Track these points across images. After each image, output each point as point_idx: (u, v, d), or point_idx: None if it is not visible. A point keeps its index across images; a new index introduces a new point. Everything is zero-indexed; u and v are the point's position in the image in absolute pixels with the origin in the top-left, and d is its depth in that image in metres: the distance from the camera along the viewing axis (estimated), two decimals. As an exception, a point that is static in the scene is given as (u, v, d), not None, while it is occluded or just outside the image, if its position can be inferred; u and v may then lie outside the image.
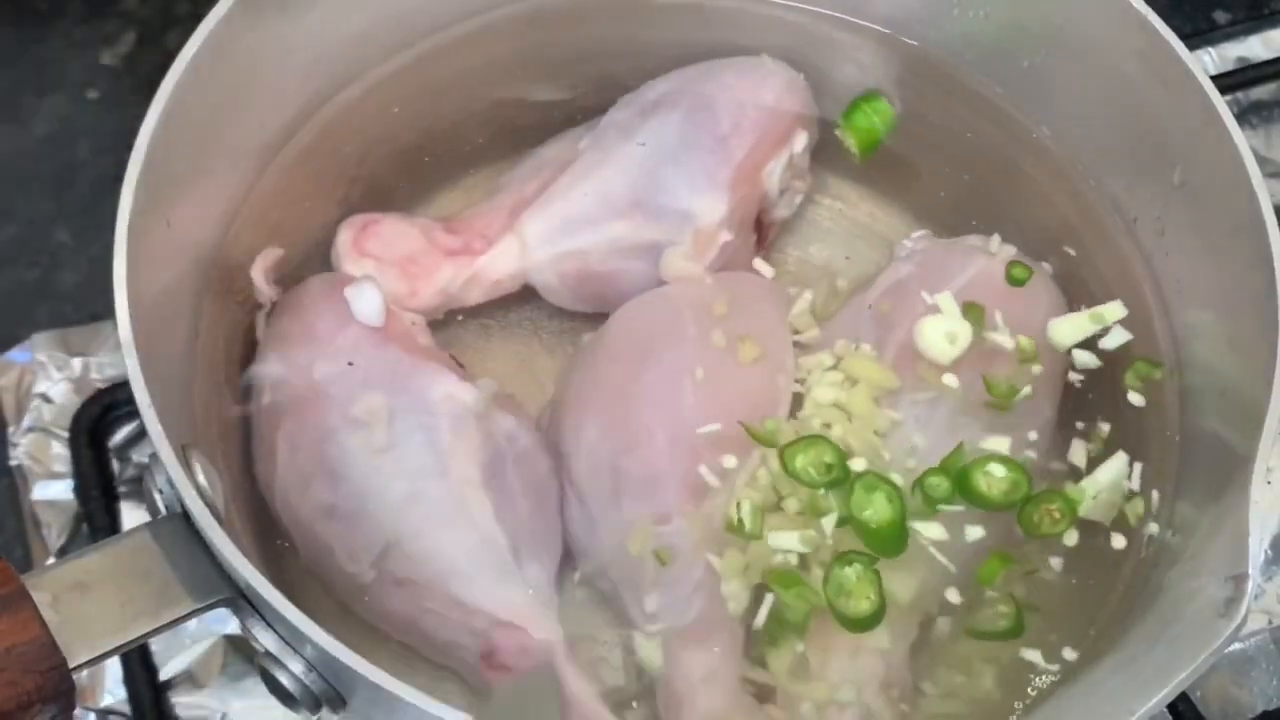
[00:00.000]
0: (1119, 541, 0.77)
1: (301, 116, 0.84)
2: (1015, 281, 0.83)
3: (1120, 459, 0.78)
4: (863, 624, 0.73)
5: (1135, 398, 0.81)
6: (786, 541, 0.75)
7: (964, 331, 0.80)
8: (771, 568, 0.75)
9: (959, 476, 0.75)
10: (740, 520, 0.75)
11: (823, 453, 0.76)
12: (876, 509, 0.74)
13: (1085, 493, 0.77)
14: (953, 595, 0.76)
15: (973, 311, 0.81)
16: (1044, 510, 0.76)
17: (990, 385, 0.79)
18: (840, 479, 0.75)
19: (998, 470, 0.75)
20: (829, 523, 0.74)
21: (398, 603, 0.76)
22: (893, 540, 0.74)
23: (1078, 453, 0.81)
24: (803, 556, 0.75)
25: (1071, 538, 0.77)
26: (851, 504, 0.74)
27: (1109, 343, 0.82)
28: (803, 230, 0.93)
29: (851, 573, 0.73)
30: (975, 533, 0.76)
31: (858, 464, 0.76)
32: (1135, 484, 0.78)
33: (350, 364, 0.78)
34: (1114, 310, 0.82)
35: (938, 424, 0.79)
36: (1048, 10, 0.83)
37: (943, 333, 0.80)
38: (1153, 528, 0.76)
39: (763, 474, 0.78)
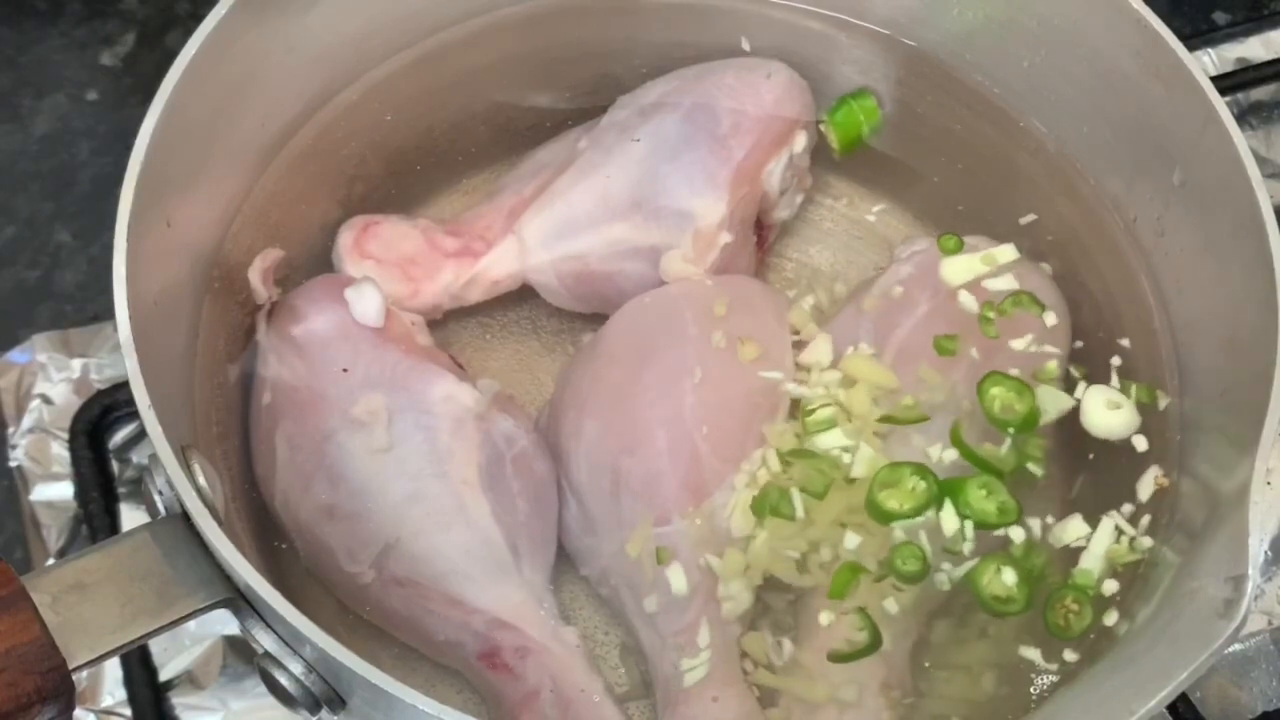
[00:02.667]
0: (1110, 586, 0.76)
1: (301, 117, 0.84)
2: (946, 252, 0.84)
3: (1106, 525, 0.77)
4: (881, 515, 0.74)
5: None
6: (832, 439, 0.77)
7: (1125, 400, 0.80)
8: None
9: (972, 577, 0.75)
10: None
11: (1020, 399, 0.77)
12: (984, 502, 0.75)
13: (1092, 575, 0.76)
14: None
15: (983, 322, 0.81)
16: (1061, 610, 0.75)
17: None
18: (1024, 425, 0.76)
19: (1008, 575, 0.75)
20: (935, 450, 0.77)
21: (397, 603, 0.76)
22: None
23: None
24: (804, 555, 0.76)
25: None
26: (974, 487, 0.75)
27: (998, 285, 0.82)
28: (803, 231, 0.93)
29: (914, 482, 0.74)
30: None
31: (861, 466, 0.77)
32: (1129, 529, 0.78)
33: (350, 365, 0.78)
34: (1005, 252, 0.83)
35: (936, 424, 0.79)
36: (1048, 10, 0.83)
37: (1103, 403, 0.80)
38: (1146, 541, 0.77)
39: (763, 474, 0.78)
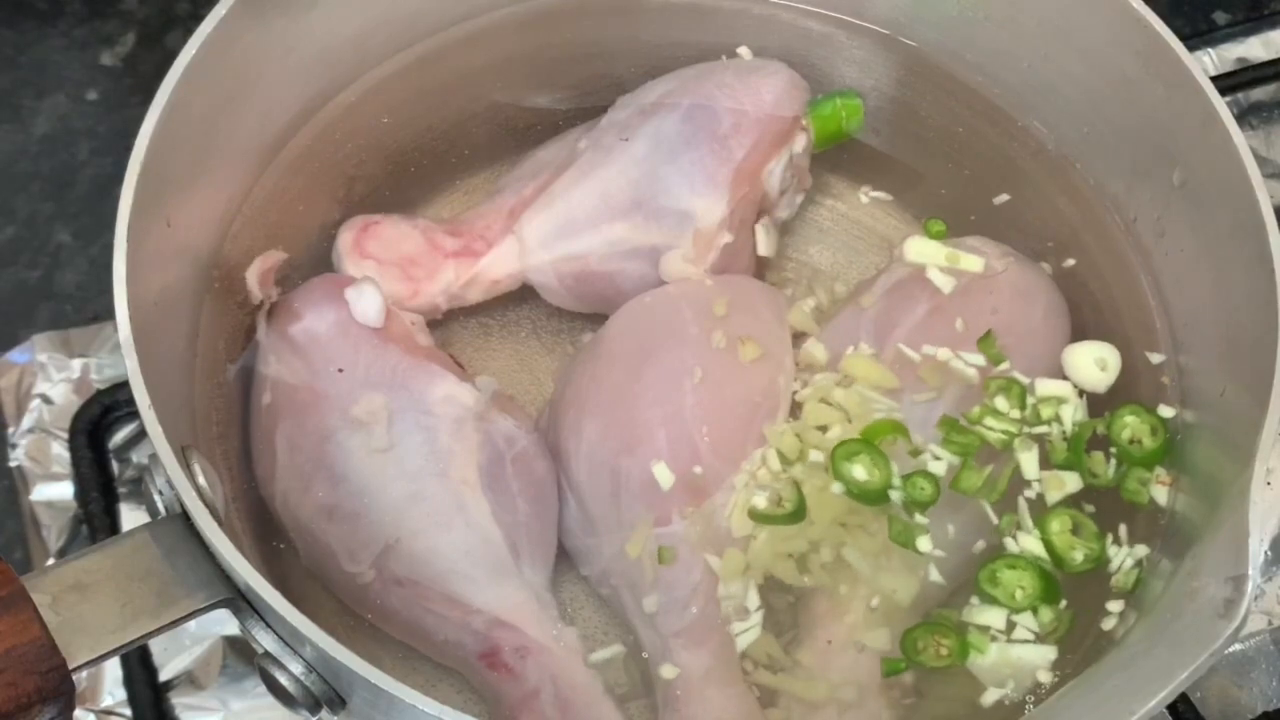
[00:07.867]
0: (1115, 606, 0.76)
1: (301, 117, 0.85)
2: (932, 236, 0.84)
3: (1049, 652, 0.75)
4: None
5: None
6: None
7: (1113, 358, 0.80)
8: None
9: None
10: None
11: (1152, 436, 0.78)
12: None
13: (990, 657, 0.74)
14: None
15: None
16: (933, 640, 0.74)
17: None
18: (1146, 461, 0.78)
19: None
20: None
21: (398, 603, 0.76)
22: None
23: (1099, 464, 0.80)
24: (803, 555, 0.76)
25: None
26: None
27: (939, 280, 0.82)
28: (803, 231, 0.93)
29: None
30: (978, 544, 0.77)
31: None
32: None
33: (350, 365, 0.78)
34: (969, 261, 0.83)
35: (932, 422, 0.79)
36: (1047, 10, 0.83)
37: (1093, 359, 0.80)
38: (1141, 550, 0.77)
39: (763, 474, 0.78)
